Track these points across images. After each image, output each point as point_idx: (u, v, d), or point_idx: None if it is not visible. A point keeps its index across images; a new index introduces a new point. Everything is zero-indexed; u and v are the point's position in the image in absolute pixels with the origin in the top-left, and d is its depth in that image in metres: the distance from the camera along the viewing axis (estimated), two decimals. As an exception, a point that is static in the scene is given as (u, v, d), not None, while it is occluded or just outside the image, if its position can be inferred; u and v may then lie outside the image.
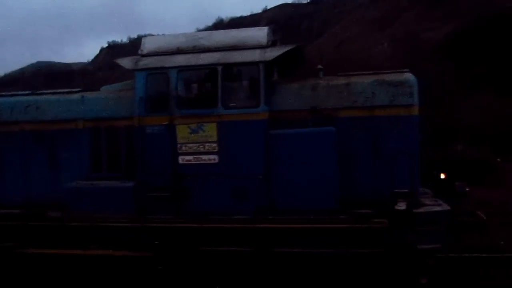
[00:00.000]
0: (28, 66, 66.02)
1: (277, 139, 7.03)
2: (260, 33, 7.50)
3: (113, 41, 67.58)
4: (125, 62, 7.59)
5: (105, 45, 69.70)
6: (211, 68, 7.24)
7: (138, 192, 7.40)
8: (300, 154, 7.00)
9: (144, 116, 7.34)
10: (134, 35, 67.43)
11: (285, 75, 8.48)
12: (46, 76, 56.89)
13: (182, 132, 7.21)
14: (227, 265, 7.24)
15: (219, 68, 7.17)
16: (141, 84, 7.38)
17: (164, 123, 7.25)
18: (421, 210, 6.88)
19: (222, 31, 7.85)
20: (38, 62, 67.84)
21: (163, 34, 8.06)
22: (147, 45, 7.75)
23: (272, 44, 7.61)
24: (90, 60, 73.66)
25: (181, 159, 7.26)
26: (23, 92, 8.56)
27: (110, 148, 7.87)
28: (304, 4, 60.98)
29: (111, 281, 7.53)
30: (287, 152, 7.02)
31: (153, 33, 72.75)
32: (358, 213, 6.90)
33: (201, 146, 7.18)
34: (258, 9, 65.97)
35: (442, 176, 8.53)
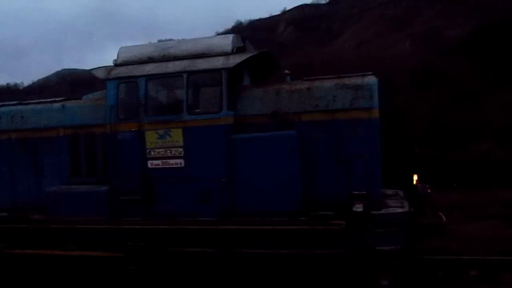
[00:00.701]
0: (53, 74, 68.26)
1: (238, 143, 7.32)
2: (225, 41, 7.81)
3: (135, 46, 68.68)
4: (99, 72, 8.04)
5: (128, 50, 71.25)
6: (177, 75, 7.60)
7: (112, 196, 7.83)
8: (261, 157, 7.27)
9: (116, 123, 7.76)
10: (154, 40, 68.60)
11: (258, 81, 8.75)
12: (71, 83, 58.65)
13: (150, 137, 7.60)
14: (195, 265, 7.56)
15: (184, 75, 7.53)
16: (112, 92, 7.81)
17: (134, 129, 7.66)
18: (379, 212, 7.02)
19: (190, 39, 8.19)
20: (63, 70, 70.04)
21: (139, 44, 8.35)
22: (121, 55, 8.18)
23: (239, 50, 7.90)
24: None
25: (150, 164, 7.64)
26: (11, 102, 9.11)
27: (88, 154, 8.33)
28: (323, 4, 60.79)
29: (88, 280, 7.97)
30: (249, 156, 7.31)
31: (173, 37, 74.00)
32: (318, 215, 7.11)
33: (168, 151, 7.55)
34: (277, 11, 65.94)
35: (415, 178, 8.65)
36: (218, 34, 65.88)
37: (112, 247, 7.75)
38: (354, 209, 6.90)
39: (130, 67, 7.94)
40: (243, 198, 7.35)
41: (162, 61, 7.90)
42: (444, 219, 7.56)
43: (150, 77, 7.70)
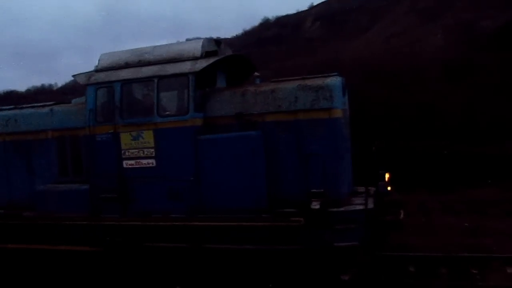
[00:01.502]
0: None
1: (204, 143, 7.81)
2: (195, 46, 8.31)
3: (162, 46, 70.20)
4: (80, 77, 8.69)
5: (157, 50, 73.01)
6: (148, 80, 8.15)
7: (92, 194, 8.48)
8: (227, 157, 7.73)
9: (94, 126, 8.41)
10: (182, 39, 69.82)
11: (236, 83, 9.21)
12: (102, 83, 60.50)
13: (125, 139, 8.20)
14: (168, 259, 8.10)
15: (155, 80, 8.08)
16: (91, 97, 8.46)
17: (110, 131, 8.27)
18: (338, 209, 7.35)
19: (164, 45, 8.69)
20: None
21: (119, 51, 8.94)
22: (102, 61, 8.82)
23: (210, 55, 8.38)
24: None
25: (125, 164, 8.24)
26: (7, 107, 9.92)
27: (73, 155, 9.02)
28: (351, -2, 60.26)
29: (73, 273, 8.67)
30: (215, 156, 7.78)
31: (201, 36, 75.15)
32: (280, 212, 7.51)
33: (141, 152, 8.13)
34: (304, 7, 65.82)
35: (387, 176, 8.89)
36: (245, 31, 66.44)
37: (92, 242, 8.39)
38: (312, 206, 7.26)
39: (108, 72, 8.55)
40: (210, 195, 7.83)
41: (138, 66, 8.47)
42: (402, 216, 7.79)
43: (124, 82, 8.29)
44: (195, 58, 8.17)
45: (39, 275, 8.93)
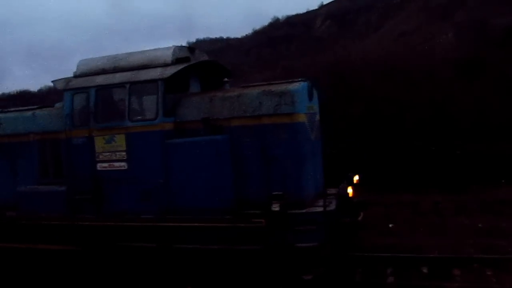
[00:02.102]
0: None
1: (173, 147, 8.22)
2: (166, 52, 8.71)
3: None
4: (58, 83, 9.18)
5: (167, 50, 74.06)
6: (121, 86, 8.58)
7: (68, 195, 8.94)
8: (194, 160, 8.12)
9: (70, 130, 8.87)
10: (192, 39, 70.71)
11: (211, 88, 9.58)
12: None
13: (99, 142, 8.65)
14: (142, 259, 8.53)
15: (127, 86, 8.51)
16: (68, 102, 8.94)
17: (85, 135, 8.73)
18: (298, 211, 7.68)
19: (138, 51, 9.10)
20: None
21: (96, 57, 9.40)
22: (80, 67, 9.30)
23: (181, 61, 8.77)
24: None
25: (99, 166, 8.69)
26: (-6, 111, 10.48)
27: (54, 157, 9.50)
28: (362, -4, 60.33)
29: (52, 271, 9.16)
30: (182, 159, 8.18)
31: (211, 36, 75.69)
32: (244, 213, 7.87)
33: (114, 155, 8.57)
34: (314, 6, 66.07)
35: (356, 178, 9.20)
36: (255, 31, 66.82)
37: (67, 242, 8.87)
38: (272, 208, 7.60)
39: (84, 78, 9.02)
40: (179, 197, 8.23)
41: (113, 72, 8.92)
42: (361, 217, 8.09)
43: (99, 87, 8.75)
44: (165, 65, 8.58)
45: (22, 273, 9.43)
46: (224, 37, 71.52)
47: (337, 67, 29.46)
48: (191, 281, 8.26)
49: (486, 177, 17.14)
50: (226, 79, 8.94)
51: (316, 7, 62.36)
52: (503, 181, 16.85)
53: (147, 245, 8.36)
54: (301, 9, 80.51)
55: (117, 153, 8.55)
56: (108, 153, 8.61)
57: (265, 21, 67.24)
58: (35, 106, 10.21)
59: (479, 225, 11.85)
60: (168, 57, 8.66)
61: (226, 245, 7.95)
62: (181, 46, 9.14)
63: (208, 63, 9.66)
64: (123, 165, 8.53)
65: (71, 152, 8.90)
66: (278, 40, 62.12)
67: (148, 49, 9.18)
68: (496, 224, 11.58)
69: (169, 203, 8.28)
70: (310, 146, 8.42)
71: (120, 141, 8.51)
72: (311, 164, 8.42)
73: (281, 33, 62.59)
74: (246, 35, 65.06)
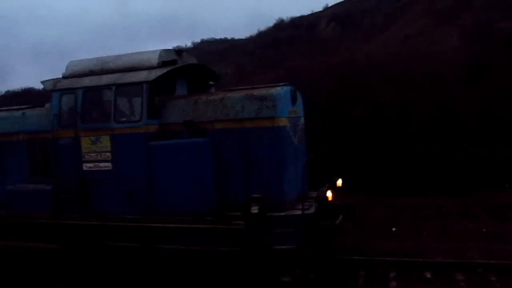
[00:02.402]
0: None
1: (156, 149, 8.40)
2: (153, 56, 8.90)
3: (178, 46, 71.35)
4: (47, 84, 9.39)
5: (171, 50, 74.62)
6: (107, 88, 8.77)
7: (55, 194, 9.14)
8: (176, 162, 8.29)
9: (58, 130, 9.08)
10: (197, 40, 71.02)
11: (199, 90, 9.76)
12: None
13: (85, 143, 8.85)
14: (124, 258, 8.70)
15: (113, 88, 8.70)
16: (56, 103, 9.14)
17: (72, 136, 8.92)
18: (277, 213, 7.82)
19: (126, 54, 9.29)
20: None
21: (85, 58, 9.60)
22: (69, 68, 9.51)
23: (168, 64, 8.95)
24: (157, 64, 78.56)
25: (85, 166, 8.89)
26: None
27: (42, 156, 9.71)
28: (366, -1, 60.38)
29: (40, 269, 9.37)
30: (165, 161, 8.35)
31: (215, 37, 75.94)
32: (224, 215, 8.03)
33: (99, 155, 8.76)
34: (319, 7, 66.19)
35: (339, 182, 9.35)
36: (260, 32, 66.91)
37: (53, 240, 9.07)
38: (251, 210, 7.75)
39: (72, 79, 9.22)
40: (162, 198, 8.40)
41: (101, 74, 9.11)
42: (339, 221, 8.23)
43: (86, 89, 8.95)
44: (151, 68, 8.76)
45: (11, 271, 9.63)
46: (229, 38, 71.65)
47: (341, 69, 29.58)
48: (173, 281, 8.43)
49: (490, 181, 17.24)
50: (211, 83, 9.11)
51: (321, 9, 62.39)
52: (507, 185, 16.91)
53: (129, 244, 8.52)
54: (306, 11, 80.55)
55: (102, 153, 8.73)
56: (93, 154, 8.81)
57: (270, 23, 67.35)
58: (25, 106, 10.41)
59: (483, 229, 11.86)
60: (154, 60, 8.84)
61: (207, 246, 8.10)
62: (168, 50, 9.32)
63: (196, 67, 9.82)
64: (108, 165, 8.72)
65: (58, 152, 9.10)
66: (282, 42, 62.23)
67: (148, 50, 9.31)
68: (500, 229, 11.62)
69: (152, 204, 8.45)
70: (292, 149, 8.56)
71: (105, 142, 8.70)
72: (293, 167, 8.56)
73: (286, 34, 62.70)
74: (251, 36, 65.22)
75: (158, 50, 9.04)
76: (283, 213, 7.94)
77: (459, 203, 14.81)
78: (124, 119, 8.75)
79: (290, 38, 61.83)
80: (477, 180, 17.32)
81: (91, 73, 9.23)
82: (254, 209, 7.75)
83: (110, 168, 8.71)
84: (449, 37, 47.56)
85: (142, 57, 9.01)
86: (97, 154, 8.79)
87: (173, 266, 8.44)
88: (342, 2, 60.56)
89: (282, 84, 8.53)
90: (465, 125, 22.12)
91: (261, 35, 65.63)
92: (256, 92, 8.27)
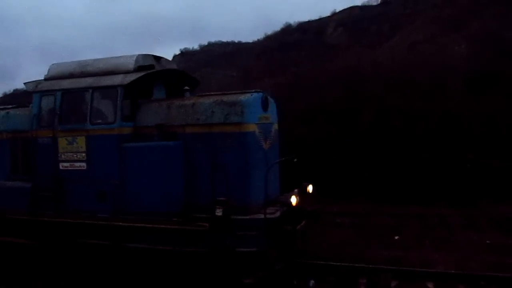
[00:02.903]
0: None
1: (128, 151, 8.77)
2: (129, 60, 9.28)
3: (185, 48, 72.32)
4: (29, 85, 9.81)
5: (178, 52, 75.22)
6: (84, 91, 9.16)
7: (33, 192, 9.54)
8: (147, 164, 8.65)
9: (37, 130, 9.49)
10: (204, 42, 71.59)
11: (176, 95, 10.11)
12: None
13: (62, 143, 9.25)
14: (95, 256, 9.07)
15: (90, 91, 9.09)
16: (36, 103, 9.56)
17: (50, 136, 9.32)
18: (240, 217, 8.13)
19: (104, 58, 9.67)
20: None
21: (67, 62, 10.01)
22: (51, 71, 9.93)
23: (144, 69, 9.32)
24: (164, 66, 79.39)
25: (61, 166, 9.29)
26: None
27: (23, 154, 10.12)
28: (374, 5, 60.48)
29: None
30: (136, 162, 8.72)
31: (223, 39, 76.51)
32: (191, 217, 8.36)
33: (75, 155, 9.15)
34: (326, 13, 66.48)
35: (310, 187, 9.65)
36: (266, 36, 67.34)
37: (30, 236, 9.47)
38: (216, 213, 8.08)
39: (52, 81, 9.63)
40: (133, 198, 8.76)
41: (80, 77, 9.51)
42: (300, 226, 8.52)
43: (64, 91, 9.35)
44: (128, 72, 9.14)
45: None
46: (236, 41, 72.12)
47: (348, 75, 29.74)
48: (142, 279, 8.76)
49: (496, 192, 17.15)
50: (186, 88, 9.44)
51: (329, 14, 62.60)
52: None
53: (99, 242, 8.88)
54: (314, 16, 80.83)
55: (78, 154, 9.12)
56: (69, 154, 9.20)
57: (277, 27, 67.71)
58: (10, 106, 10.85)
59: (487, 241, 11.77)
60: (130, 64, 9.22)
61: (175, 246, 8.43)
62: (147, 55, 9.69)
63: (175, 72, 10.17)
64: (82, 165, 9.10)
65: (37, 151, 9.51)
66: (289, 46, 62.52)
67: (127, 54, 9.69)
68: (505, 241, 11.55)
69: (124, 204, 8.80)
70: (262, 155, 8.86)
71: (80, 142, 9.08)
72: (262, 172, 8.85)
73: (293, 39, 63.01)
74: (258, 39, 65.60)
75: (135, 55, 9.41)
76: (247, 217, 8.24)
77: (463, 214, 14.69)
78: (99, 121, 9.11)
79: (297, 42, 62.15)
80: (483, 190, 17.25)
81: (71, 76, 9.63)
82: (219, 212, 8.06)
83: (84, 168, 9.09)
84: (456, 45, 47.54)
85: (119, 62, 9.39)
86: (73, 154, 9.17)
87: (141, 265, 8.76)
88: (349, 7, 60.75)
89: (253, 91, 8.86)
90: (471, 135, 22.14)
91: (268, 39, 66.02)
92: (225, 98, 8.61)
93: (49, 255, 9.39)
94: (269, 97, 9.30)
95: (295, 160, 9.44)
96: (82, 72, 9.56)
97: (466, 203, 16.23)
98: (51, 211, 9.34)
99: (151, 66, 9.54)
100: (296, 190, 9.27)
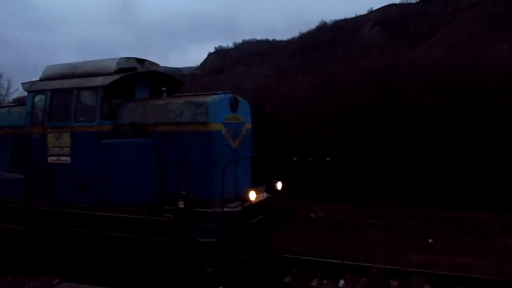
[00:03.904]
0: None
1: (105, 146, 9.78)
2: (111, 63, 10.32)
3: (219, 46, 73.98)
4: (25, 85, 11.04)
5: (212, 50, 76.96)
6: (71, 91, 10.28)
7: (27, 183, 10.75)
8: (122, 159, 9.63)
9: (30, 127, 10.69)
10: (239, 40, 72.91)
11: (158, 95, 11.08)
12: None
13: (50, 139, 10.39)
14: (80, 242, 10.16)
15: (75, 91, 10.19)
16: (29, 102, 10.77)
17: (40, 132, 10.50)
18: (201, 209, 8.99)
19: (91, 60, 10.71)
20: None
21: (60, 63, 11.17)
22: (45, 72, 11.12)
23: (126, 71, 10.36)
24: (198, 64, 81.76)
25: (50, 159, 10.43)
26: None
27: (21, 149, 11.37)
28: (413, 3, 59.96)
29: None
30: (113, 157, 9.71)
31: (257, 38, 77.43)
32: (158, 208, 9.30)
33: (61, 150, 10.27)
34: (363, 11, 66.42)
35: (279, 184, 10.42)
36: (302, 34, 67.96)
37: (25, 223, 10.70)
38: (178, 205, 8.98)
39: (44, 82, 10.81)
40: (110, 190, 9.76)
41: (69, 78, 10.64)
42: (254, 220, 9.26)
43: (53, 91, 10.50)
44: (109, 74, 10.18)
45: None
46: (270, 39, 73.08)
47: (383, 74, 29.90)
48: (119, 264, 9.76)
49: None
50: (163, 89, 10.39)
51: (365, 13, 62.57)
52: None
53: (81, 230, 9.96)
54: (350, 14, 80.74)
55: (63, 148, 10.23)
56: (57, 148, 10.32)
57: (312, 25, 68.19)
58: (13, 104, 12.16)
59: None
60: (112, 66, 10.26)
61: (144, 235, 9.39)
62: (129, 58, 10.70)
63: (158, 74, 11.15)
64: (67, 159, 10.21)
65: (30, 146, 10.71)
66: (324, 45, 62.86)
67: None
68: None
69: (103, 195, 9.82)
70: (229, 153, 9.67)
71: (66, 138, 10.19)
72: (229, 170, 9.67)
73: (328, 37, 63.35)
74: (292, 38, 66.30)
75: (117, 58, 10.44)
76: (208, 210, 9.08)
77: (501, 219, 14.64)
78: (82, 118, 10.18)
79: (332, 41, 62.44)
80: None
81: (62, 77, 10.77)
82: (181, 204, 8.95)
83: (69, 162, 10.19)
84: (498, 45, 46.66)
85: (102, 64, 10.44)
86: (59, 149, 10.29)
87: (117, 252, 9.77)
88: (387, 6, 60.53)
89: (222, 92, 9.70)
90: (511, 137, 21.96)
91: (303, 37, 66.64)
92: (194, 99, 9.49)
93: (40, 241, 10.54)
94: (240, 98, 10.11)
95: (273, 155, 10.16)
96: (72, 73, 10.68)
97: (504, 208, 16.26)
98: (42, 200, 10.50)
99: (133, 68, 10.55)
100: (264, 187, 10.04)
